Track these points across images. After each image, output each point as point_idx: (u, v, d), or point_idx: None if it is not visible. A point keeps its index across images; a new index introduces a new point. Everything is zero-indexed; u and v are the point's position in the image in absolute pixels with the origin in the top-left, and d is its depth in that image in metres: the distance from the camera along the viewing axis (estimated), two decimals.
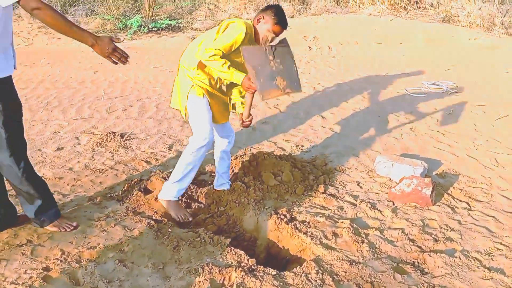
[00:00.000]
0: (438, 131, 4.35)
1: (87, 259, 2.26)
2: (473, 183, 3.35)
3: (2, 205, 2.45)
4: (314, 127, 4.40)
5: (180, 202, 2.83)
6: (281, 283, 2.15)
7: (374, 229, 2.70)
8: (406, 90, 5.63)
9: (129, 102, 4.95)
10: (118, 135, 3.95)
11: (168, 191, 2.74)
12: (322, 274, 2.24)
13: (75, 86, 5.47)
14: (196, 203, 2.92)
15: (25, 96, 5.01)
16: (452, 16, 8.44)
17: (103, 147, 3.75)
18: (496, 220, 2.85)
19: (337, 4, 9.46)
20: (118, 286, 2.10)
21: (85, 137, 3.95)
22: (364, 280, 2.22)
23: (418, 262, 2.41)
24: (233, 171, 3.24)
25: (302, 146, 3.96)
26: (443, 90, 5.67)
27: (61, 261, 2.23)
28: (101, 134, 3.96)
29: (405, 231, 2.69)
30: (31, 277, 2.11)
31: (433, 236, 2.65)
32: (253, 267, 2.27)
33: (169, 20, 8.38)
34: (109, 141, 3.83)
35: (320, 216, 2.79)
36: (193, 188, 3.04)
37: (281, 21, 2.58)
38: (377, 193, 3.17)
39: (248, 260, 2.32)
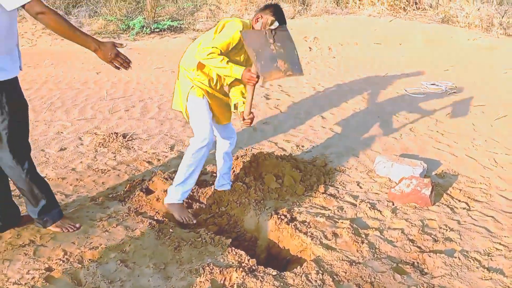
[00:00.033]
0: (437, 131, 4.37)
1: (89, 260, 2.27)
2: (472, 183, 3.37)
3: (6, 206, 2.46)
4: (315, 128, 4.42)
5: (183, 204, 2.84)
6: (282, 284, 2.16)
7: (374, 229, 2.72)
8: (406, 90, 5.65)
9: (131, 103, 4.97)
10: (120, 136, 3.97)
11: (173, 195, 2.74)
12: (322, 274, 2.25)
13: (78, 87, 5.49)
14: (198, 203, 2.93)
15: (29, 97, 5.02)
16: (451, 17, 8.46)
17: (106, 147, 3.77)
18: (495, 220, 2.87)
19: (337, 5, 9.48)
20: (120, 286, 2.12)
21: (88, 137, 3.97)
22: (364, 281, 2.24)
23: (417, 263, 2.42)
24: (234, 171, 3.26)
25: (303, 146, 3.97)
26: (442, 90, 5.68)
27: (63, 261, 2.25)
28: (104, 135, 3.98)
29: (405, 231, 2.71)
30: (33, 278, 2.12)
31: (432, 236, 2.67)
32: (253, 267, 2.29)
33: (171, 21, 8.42)
34: (112, 142, 3.85)
35: (320, 217, 2.81)
36: (195, 188, 3.05)
37: (279, 20, 2.59)
38: (376, 193, 3.19)
39: (248, 260, 2.33)
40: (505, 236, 2.69)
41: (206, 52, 2.45)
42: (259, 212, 2.85)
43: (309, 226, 2.70)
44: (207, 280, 2.16)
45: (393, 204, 3.04)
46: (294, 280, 2.20)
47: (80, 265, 2.22)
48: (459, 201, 3.11)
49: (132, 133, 4.10)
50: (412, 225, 2.77)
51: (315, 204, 3.00)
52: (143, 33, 8.03)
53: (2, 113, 2.18)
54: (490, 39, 7.47)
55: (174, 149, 3.80)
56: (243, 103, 2.78)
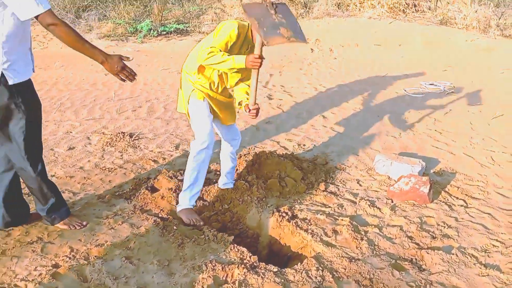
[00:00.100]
0: (435, 130, 4.42)
1: (95, 256, 2.32)
2: (469, 181, 3.41)
3: (17, 204, 2.52)
4: (316, 127, 4.47)
5: (192, 208, 2.83)
6: (282, 280, 2.20)
7: (373, 226, 2.76)
8: (405, 90, 5.70)
9: (138, 103, 5.04)
10: (127, 135, 4.04)
11: (182, 201, 2.77)
12: (322, 271, 2.29)
13: (87, 88, 5.56)
14: (201, 201, 2.98)
15: (39, 97, 5.07)
16: (449, 19, 8.49)
17: (113, 146, 3.83)
18: (492, 217, 2.91)
19: (338, 8, 9.52)
20: (124, 282, 2.15)
21: (96, 137, 4.04)
22: (363, 277, 2.27)
23: (416, 259, 2.46)
24: (236, 170, 3.30)
25: (304, 145, 4.02)
26: (441, 90, 5.73)
27: (70, 258, 2.29)
28: (111, 134, 4.05)
29: (403, 228, 2.75)
30: (40, 274, 2.16)
31: (430, 233, 2.71)
32: (255, 264, 2.32)
33: (178, 24, 8.56)
34: (119, 141, 3.92)
35: (321, 214, 2.85)
36: None
37: None
38: (376, 191, 3.23)
39: (250, 257, 2.37)
40: (502, 233, 2.72)
41: (205, 52, 2.48)
42: (261, 209, 2.90)
43: (309, 223, 2.75)
44: (210, 277, 2.20)
45: (392, 202, 3.08)
46: (294, 277, 2.23)
47: (86, 262, 2.26)
48: (457, 198, 3.15)
49: (138, 133, 4.17)
50: (410, 222, 2.81)
51: (316, 201, 3.05)
52: (151, 36, 8.16)
53: (19, 111, 2.26)
54: (488, 40, 7.51)
55: (179, 148, 3.87)
56: (247, 99, 2.73)
